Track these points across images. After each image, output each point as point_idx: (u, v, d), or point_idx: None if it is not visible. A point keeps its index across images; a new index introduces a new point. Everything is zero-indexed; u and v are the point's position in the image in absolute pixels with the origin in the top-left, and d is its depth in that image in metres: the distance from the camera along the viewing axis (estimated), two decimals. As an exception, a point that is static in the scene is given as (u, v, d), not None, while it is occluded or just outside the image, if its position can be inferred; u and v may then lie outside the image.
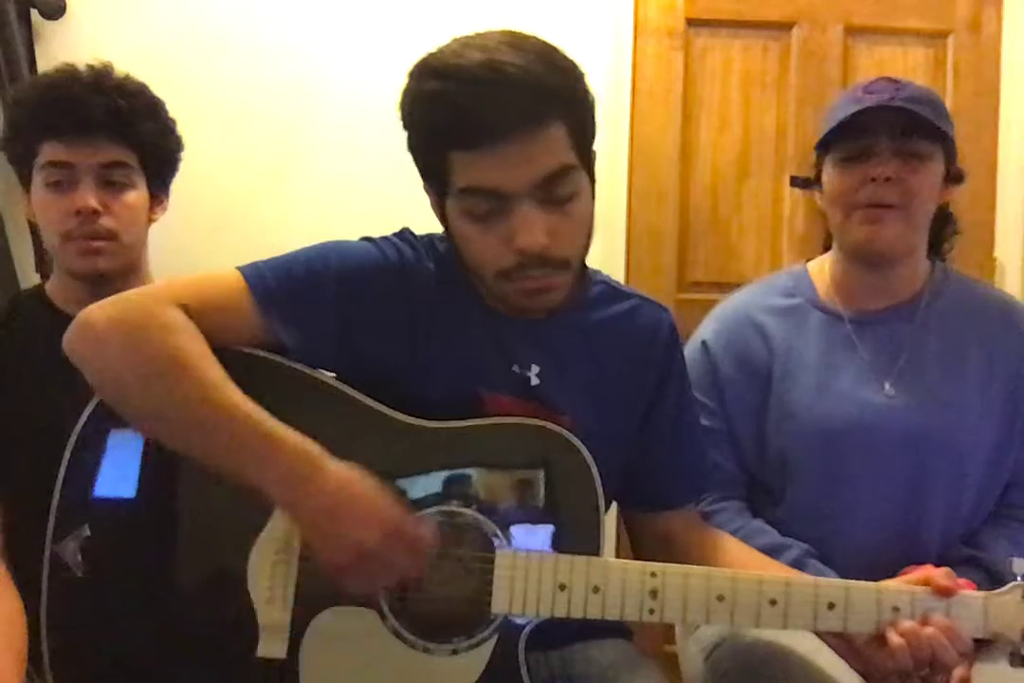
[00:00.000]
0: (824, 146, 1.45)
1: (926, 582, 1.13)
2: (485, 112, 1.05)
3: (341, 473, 1.04)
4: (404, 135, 1.15)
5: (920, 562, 1.26)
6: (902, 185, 1.38)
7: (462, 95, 1.05)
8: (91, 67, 1.48)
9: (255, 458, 1.04)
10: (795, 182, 1.62)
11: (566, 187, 1.10)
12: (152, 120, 1.50)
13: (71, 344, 1.11)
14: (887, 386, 1.42)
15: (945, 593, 1.11)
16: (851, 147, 1.41)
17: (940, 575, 1.13)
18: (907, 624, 1.10)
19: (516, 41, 1.08)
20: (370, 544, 1.02)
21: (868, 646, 1.13)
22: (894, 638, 1.09)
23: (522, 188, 1.08)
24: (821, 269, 1.54)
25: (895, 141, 1.39)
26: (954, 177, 1.46)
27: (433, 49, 1.12)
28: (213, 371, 1.07)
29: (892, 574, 1.19)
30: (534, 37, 1.11)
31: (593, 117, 1.15)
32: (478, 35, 1.11)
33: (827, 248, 1.56)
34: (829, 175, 1.45)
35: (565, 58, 1.11)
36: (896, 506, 1.40)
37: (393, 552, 1.03)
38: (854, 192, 1.40)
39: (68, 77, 1.47)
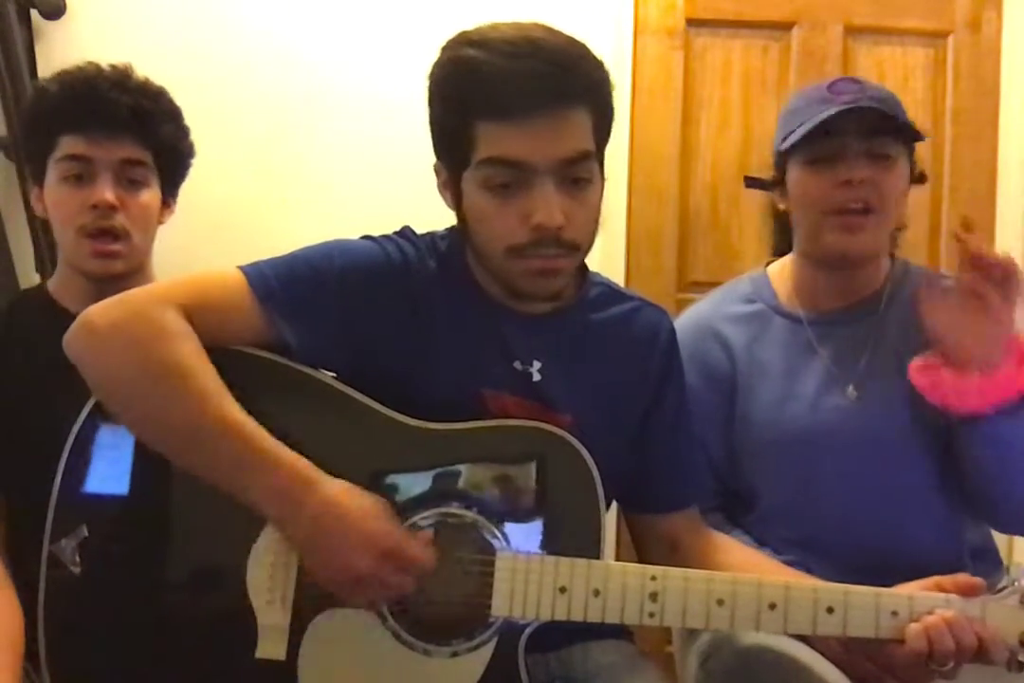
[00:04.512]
0: (789, 151, 1.42)
1: (936, 587, 1.13)
2: (520, 82, 1.06)
3: (334, 492, 1.05)
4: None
5: (913, 559, 1.28)
6: (876, 187, 1.37)
7: (497, 64, 1.07)
8: (113, 67, 1.49)
9: (249, 474, 1.04)
10: (750, 183, 1.59)
11: (584, 172, 1.12)
12: (171, 123, 1.52)
13: (71, 345, 1.11)
14: (850, 389, 1.42)
15: (971, 590, 1.11)
16: (819, 148, 1.39)
17: (962, 577, 1.13)
18: (928, 618, 1.09)
19: (550, 28, 1.13)
20: (361, 566, 1.03)
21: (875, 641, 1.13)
22: (913, 625, 1.09)
23: (545, 164, 1.09)
24: (781, 272, 1.53)
25: (864, 142, 1.37)
26: (917, 177, 1.46)
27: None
28: (213, 384, 1.07)
29: (883, 576, 1.19)
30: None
31: (612, 114, 1.16)
32: (510, 22, 1.13)
33: (783, 252, 1.55)
34: (797, 178, 1.43)
35: (594, 53, 1.13)
36: (871, 508, 1.39)
37: (385, 573, 1.04)
38: (828, 196, 1.38)
39: (92, 74, 1.47)
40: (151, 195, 1.50)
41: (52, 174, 1.47)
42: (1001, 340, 1.27)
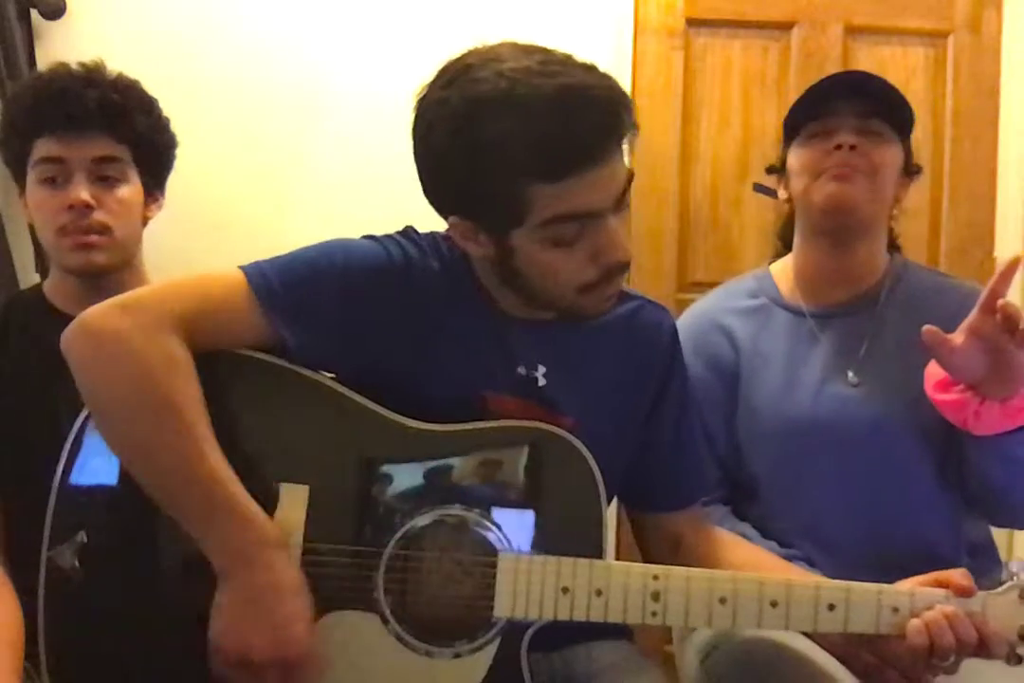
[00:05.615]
0: (790, 137, 1.50)
1: (936, 582, 1.13)
2: (580, 139, 1.02)
3: (278, 574, 1.02)
4: (405, 134, 1.13)
5: (913, 548, 1.32)
6: (867, 157, 1.42)
7: (551, 126, 1.01)
8: (83, 64, 1.49)
9: (209, 522, 1.03)
10: (758, 188, 1.66)
11: (627, 194, 1.10)
12: (145, 115, 1.50)
13: (69, 346, 1.10)
14: (851, 374, 1.44)
15: (965, 593, 1.11)
16: (816, 126, 1.46)
17: (958, 576, 1.14)
18: (927, 614, 1.10)
19: (552, 55, 1.05)
20: (252, 656, 1.00)
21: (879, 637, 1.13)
22: (913, 621, 1.09)
23: (611, 204, 1.08)
24: (784, 268, 1.57)
25: (858, 121, 1.44)
26: (912, 170, 1.51)
27: (455, 82, 1.05)
28: (200, 423, 1.05)
29: (882, 565, 1.19)
30: (547, 47, 1.08)
31: None
32: (495, 54, 1.06)
33: (784, 254, 1.59)
34: (795, 155, 1.49)
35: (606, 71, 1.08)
36: (870, 496, 1.41)
37: (269, 674, 1.01)
38: (818, 160, 1.44)
39: (61, 74, 1.47)
40: (130, 190, 1.49)
41: (31, 178, 1.47)
42: (1019, 375, 1.25)
